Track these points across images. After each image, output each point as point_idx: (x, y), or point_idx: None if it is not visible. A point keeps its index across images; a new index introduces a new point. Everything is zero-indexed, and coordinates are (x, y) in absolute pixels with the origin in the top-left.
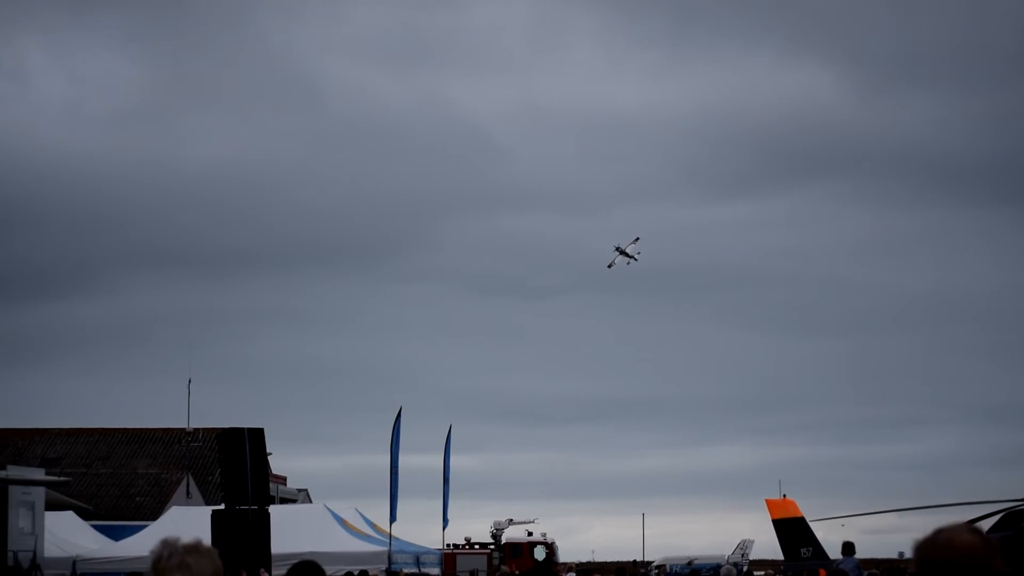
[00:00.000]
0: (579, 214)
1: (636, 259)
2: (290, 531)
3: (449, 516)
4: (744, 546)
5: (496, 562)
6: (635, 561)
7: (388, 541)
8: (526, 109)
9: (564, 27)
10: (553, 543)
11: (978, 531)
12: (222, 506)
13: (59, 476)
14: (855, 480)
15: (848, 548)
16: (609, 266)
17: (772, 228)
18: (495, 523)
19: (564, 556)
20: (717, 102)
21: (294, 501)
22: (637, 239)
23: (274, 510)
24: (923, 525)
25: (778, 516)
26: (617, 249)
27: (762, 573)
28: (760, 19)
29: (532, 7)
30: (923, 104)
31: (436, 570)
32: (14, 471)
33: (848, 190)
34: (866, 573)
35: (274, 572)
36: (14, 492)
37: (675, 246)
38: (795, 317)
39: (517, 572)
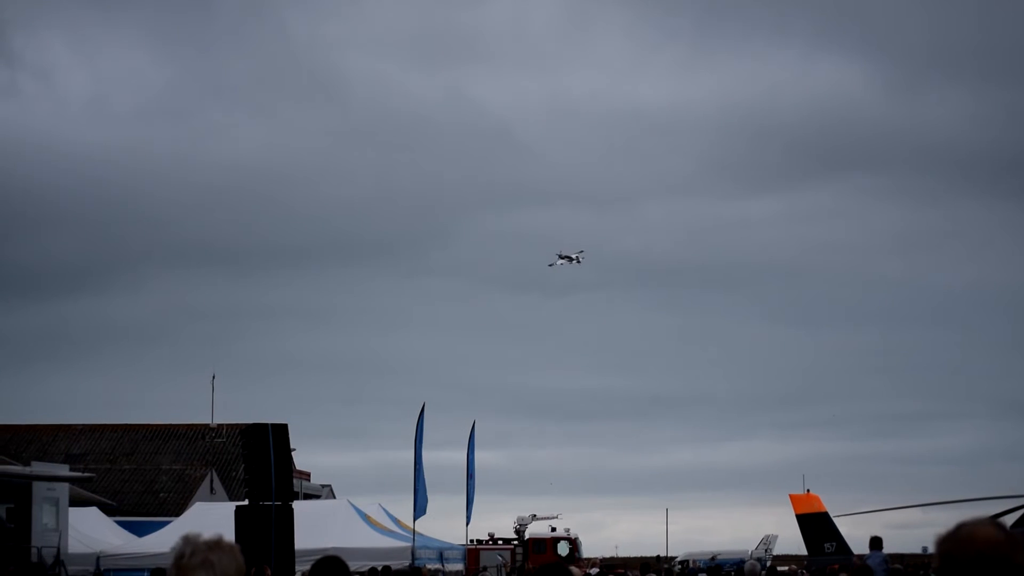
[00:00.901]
0: (604, 210)
1: (579, 262)
2: (314, 527)
3: (474, 511)
4: (768, 541)
5: (519, 558)
6: (659, 556)
7: (412, 537)
8: (551, 104)
9: (590, 22)
10: (576, 538)
11: (1001, 526)
12: (246, 502)
13: (83, 472)
14: (879, 475)
15: (876, 543)
16: (550, 265)
17: (799, 223)
18: (518, 519)
19: (587, 551)
20: (745, 97)
21: (318, 497)
22: (582, 251)
23: (298, 506)
24: (947, 520)
25: (802, 511)
26: (560, 255)
27: (786, 568)
28: (788, 13)
29: (557, 1)
30: (952, 98)
31: (459, 566)
32: (38, 467)
33: (877, 185)
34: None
35: (298, 568)
36: (38, 488)
37: (701, 242)
38: (821, 312)
39: (532, 568)
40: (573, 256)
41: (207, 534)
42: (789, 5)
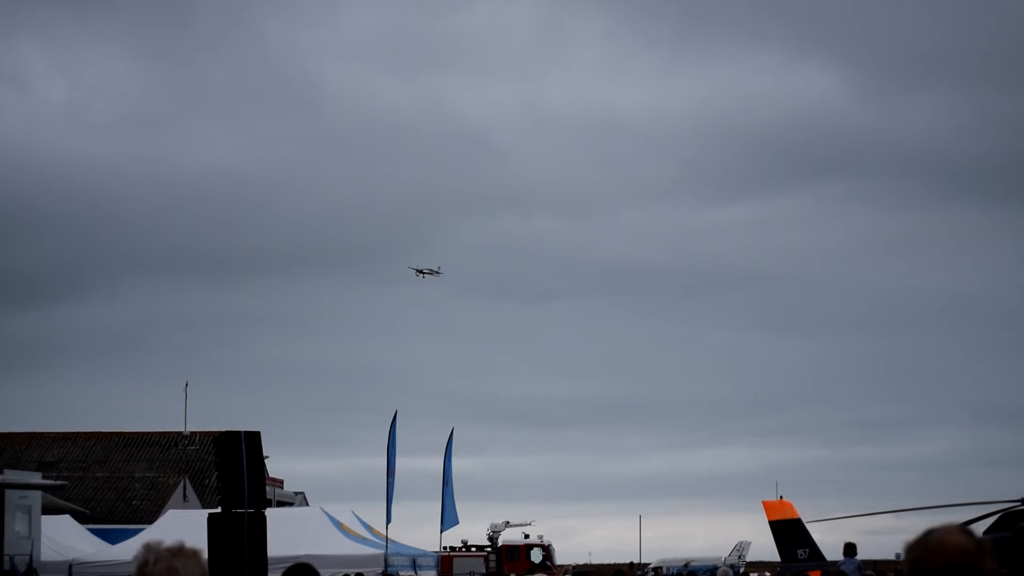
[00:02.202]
0: (582, 216)
1: (439, 274)
2: (287, 534)
3: (449, 518)
4: (741, 548)
5: (492, 565)
6: (632, 563)
7: (385, 544)
8: (528, 111)
9: (568, 28)
10: (550, 545)
11: (969, 532)
12: (219, 509)
13: (56, 480)
14: (853, 481)
15: (850, 549)
16: (410, 267)
17: (775, 229)
18: (492, 525)
19: (561, 558)
20: (723, 103)
21: (291, 504)
22: (440, 266)
23: (271, 513)
24: (921, 526)
25: (775, 518)
26: (416, 269)
27: (768, 574)
28: (767, 19)
29: (535, 8)
30: (928, 103)
31: (432, 573)
32: (10, 475)
33: (854, 190)
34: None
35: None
36: (10, 496)
37: (677, 248)
38: (797, 318)
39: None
40: (435, 269)
41: (168, 541)
42: (767, 12)
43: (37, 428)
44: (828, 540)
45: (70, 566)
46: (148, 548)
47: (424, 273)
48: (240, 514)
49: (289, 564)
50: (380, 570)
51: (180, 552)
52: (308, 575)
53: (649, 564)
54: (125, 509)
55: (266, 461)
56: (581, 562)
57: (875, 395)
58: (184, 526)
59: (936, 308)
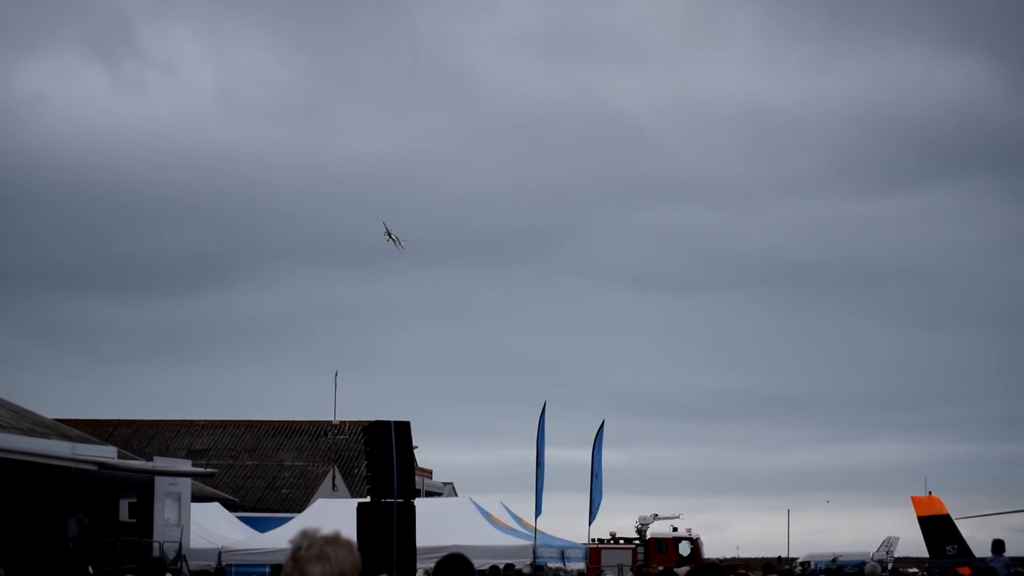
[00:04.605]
0: (735, 208)
1: (402, 247)
2: (436, 524)
3: (600, 510)
4: (889, 543)
5: (640, 557)
6: (780, 557)
7: (533, 535)
8: (681, 102)
9: (719, 19)
10: (698, 539)
11: None
12: (368, 499)
13: (205, 468)
14: (1002, 478)
15: (998, 546)
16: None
17: (926, 223)
18: (640, 518)
19: (709, 552)
20: (875, 95)
21: (440, 494)
22: (405, 240)
23: (420, 503)
24: None
25: (923, 513)
26: (387, 230)
27: (915, 570)
28: (917, 11)
29: None
30: None
31: (581, 564)
32: (161, 463)
33: (1004, 184)
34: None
35: (419, 565)
36: (161, 483)
37: (828, 240)
38: (946, 313)
39: (661, 568)
40: (400, 241)
41: (325, 529)
42: (918, 3)
43: (187, 416)
44: (977, 536)
45: (219, 553)
46: (304, 534)
47: (390, 236)
48: (389, 504)
49: (438, 554)
50: (529, 561)
51: (334, 540)
52: (462, 565)
53: (797, 559)
54: (274, 497)
55: (415, 451)
56: (729, 556)
57: None
58: (333, 515)
59: None
